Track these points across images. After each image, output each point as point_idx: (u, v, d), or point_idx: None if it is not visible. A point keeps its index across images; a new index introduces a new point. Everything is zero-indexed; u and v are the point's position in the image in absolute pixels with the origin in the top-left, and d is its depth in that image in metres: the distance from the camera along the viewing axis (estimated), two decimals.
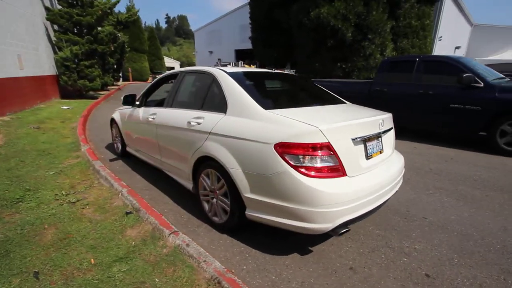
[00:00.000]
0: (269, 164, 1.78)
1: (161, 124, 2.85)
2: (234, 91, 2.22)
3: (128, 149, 4.01)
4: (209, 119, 2.28)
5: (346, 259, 2.00)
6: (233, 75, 2.41)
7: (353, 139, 1.85)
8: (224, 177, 2.12)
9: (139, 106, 3.51)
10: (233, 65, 11.37)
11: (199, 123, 2.34)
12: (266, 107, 2.03)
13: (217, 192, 2.24)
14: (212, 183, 2.28)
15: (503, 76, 5.39)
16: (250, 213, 1.99)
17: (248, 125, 1.98)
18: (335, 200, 1.68)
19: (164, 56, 42.28)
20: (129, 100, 3.48)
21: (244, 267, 1.88)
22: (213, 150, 2.14)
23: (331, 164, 1.73)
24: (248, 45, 24.43)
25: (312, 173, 1.70)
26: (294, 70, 10.68)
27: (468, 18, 21.64)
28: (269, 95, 2.60)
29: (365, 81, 6.79)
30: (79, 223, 2.32)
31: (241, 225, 2.17)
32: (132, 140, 3.72)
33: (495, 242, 2.22)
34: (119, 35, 13.11)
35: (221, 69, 2.51)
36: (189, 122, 2.44)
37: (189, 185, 2.62)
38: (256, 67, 10.20)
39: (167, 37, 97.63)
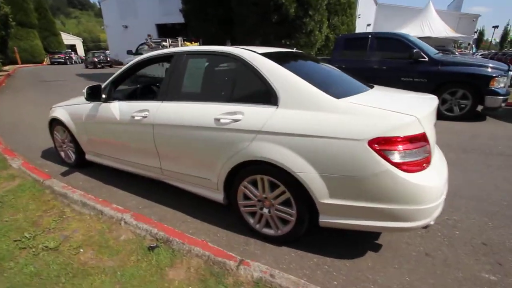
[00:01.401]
0: (363, 164, 1.52)
1: (162, 123, 2.20)
2: (285, 78, 1.81)
3: (89, 157, 3.09)
4: (252, 114, 1.82)
5: (414, 245, 1.97)
6: (270, 56, 1.96)
7: (430, 127, 1.74)
8: (286, 184, 1.77)
9: (107, 100, 2.65)
10: (169, 43, 10.06)
11: (236, 120, 1.86)
12: (335, 95, 1.71)
13: (273, 201, 1.88)
14: (262, 191, 1.90)
15: (438, 51, 6.23)
16: (326, 219, 1.73)
17: (320, 119, 1.64)
18: (435, 194, 1.57)
19: (60, 32, 34.92)
20: (95, 94, 2.58)
21: (335, 282, 1.65)
22: (269, 153, 1.74)
23: (426, 155, 1.59)
24: (171, 19, 22.17)
25: (414, 168, 1.53)
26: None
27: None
28: (321, 80, 2.12)
29: (323, 58, 6.94)
30: (88, 278, 1.62)
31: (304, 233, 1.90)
32: (100, 146, 2.85)
33: (501, 199, 2.55)
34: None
35: (249, 50, 2.02)
36: (217, 120, 1.93)
37: (217, 195, 2.14)
38: (200, 45, 9.26)
39: (57, 7, 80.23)
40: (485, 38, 49.62)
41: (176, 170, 2.30)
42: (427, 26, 21.62)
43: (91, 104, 2.78)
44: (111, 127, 2.60)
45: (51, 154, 3.71)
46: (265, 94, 1.84)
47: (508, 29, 46.76)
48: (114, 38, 25.68)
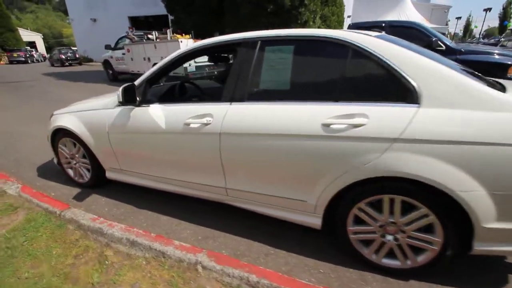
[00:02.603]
0: None
1: (235, 132, 1.68)
2: (426, 68, 1.37)
3: (111, 175, 2.47)
4: (383, 117, 1.38)
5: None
6: (392, 41, 1.52)
7: None
8: (431, 205, 1.36)
9: (143, 103, 2.06)
10: (155, 36, 9.14)
11: (357, 125, 1.40)
12: (494, 88, 1.33)
13: (405, 227, 1.46)
14: (389, 215, 1.47)
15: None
16: (483, 247, 1.35)
17: (489, 120, 1.24)
18: None
19: (17, 28, 31.65)
20: (131, 96, 1.97)
21: None
22: (413, 167, 1.31)
23: None
24: (144, 11, 20.73)
25: None
26: None
27: None
28: (459, 70, 1.54)
29: None
30: None
31: None
32: (132, 162, 2.25)
33: None
34: None
35: (361, 33, 1.56)
36: (326, 125, 1.46)
37: (310, 220, 1.69)
38: (192, 38, 8.53)
39: (9, 1, 72.83)
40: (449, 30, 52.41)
41: (251, 190, 1.80)
42: (405, 17, 22.21)
43: (117, 109, 2.17)
44: (151, 137, 2.02)
45: (51, 171, 3.00)
46: (398, 90, 1.40)
47: (470, 20, 49.74)
48: (82, 33, 23.64)
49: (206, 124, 1.76)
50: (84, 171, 2.62)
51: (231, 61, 3.09)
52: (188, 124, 1.83)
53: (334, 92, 1.51)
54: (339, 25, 12.93)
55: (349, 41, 1.50)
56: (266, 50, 1.71)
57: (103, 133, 2.25)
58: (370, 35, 1.54)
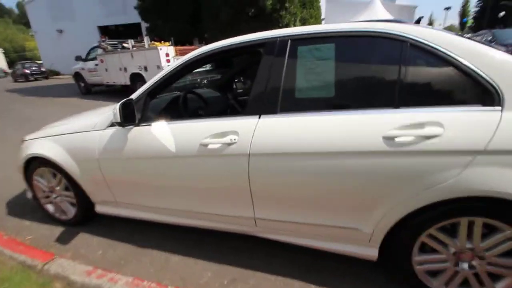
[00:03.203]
0: None
1: (267, 151, 1.36)
2: (507, 65, 1.14)
3: (102, 209, 2.05)
4: (460, 124, 1.13)
5: None
6: (450, 34, 1.28)
7: None
8: None
9: (141, 122, 1.69)
10: (131, 44, 8.56)
11: (428, 137, 1.14)
12: None
13: (486, 253, 1.22)
14: (466, 240, 1.22)
15: None
16: None
17: None
18: None
19: None
20: (129, 114, 1.59)
21: None
22: (501, 184, 1.07)
23: None
24: (115, 20, 19.82)
25: None
26: None
27: None
28: None
29: None
30: None
31: None
32: (130, 192, 1.85)
33: None
34: None
35: (417, 26, 1.31)
36: (389, 138, 1.18)
37: (364, 251, 1.41)
38: (172, 45, 8.07)
39: None
40: None
41: (287, 219, 1.48)
42: (376, 17, 22.96)
43: (109, 131, 1.77)
44: (156, 163, 1.65)
45: (25, 207, 2.50)
46: (473, 91, 1.16)
47: (432, 19, 52.91)
48: (47, 45, 22.18)
49: (230, 144, 1.43)
50: (67, 206, 2.17)
51: (236, 66, 2.78)
52: (205, 145, 1.48)
53: (392, 96, 1.24)
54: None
55: (408, 35, 1.24)
56: (300, 51, 1.41)
57: (92, 160, 1.84)
58: (426, 27, 1.30)
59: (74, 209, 2.15)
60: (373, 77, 1.32)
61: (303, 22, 11.98)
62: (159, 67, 7.51)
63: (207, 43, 9.91)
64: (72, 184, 2.03)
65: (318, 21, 13.11)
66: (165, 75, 1.68)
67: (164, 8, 9.97)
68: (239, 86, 3.30)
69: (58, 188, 2.13)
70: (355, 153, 1.24)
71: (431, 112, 1.17)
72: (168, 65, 8.03)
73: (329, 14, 26.52)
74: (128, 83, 8.61)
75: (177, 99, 2.13)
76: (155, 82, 1.69)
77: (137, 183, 1.79)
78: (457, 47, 1.19)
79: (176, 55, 7.77)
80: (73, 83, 11.35)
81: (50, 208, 2.26)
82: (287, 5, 9.18)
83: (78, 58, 10.23)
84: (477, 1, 39.43)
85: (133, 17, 16.39)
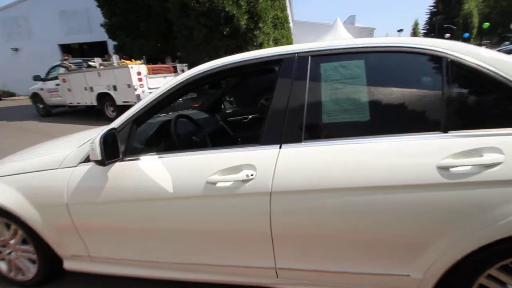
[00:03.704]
0: None
1: (297, 189, 1.11)
2: None
3: (72, 265, 1.62)
4: None
5: None
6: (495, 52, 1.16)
7: None
8: None
9: (126, 156, 1.36)
10: (99, 63, 7.97)
11: (489, 165, 0.97)
12: None
13: None
14: None
15: None
16: None
17: None
18: None
19: None
20: (113, 148, 1.26)
21: None
22: None
23: None
24: (77, 38, 18.82)
25: None
26: (186, 65, 8.89)
27: (291, 14, 26.31)
28: None
29: None
30: None
31: None
32: (114, 244, 1.47)
33: None
34: None
35: (460, 43, 1.17)
36: (443, 169, 1.00)
37: None
38: (144, 63, 7.64)
39: None
40: None
41: (317, 268, 1.23)
42: (340, 38, 24.50)
43: (83, 168, 1.41)
44: (148, 207, 1.31)
45: None
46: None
47: None
48: (1, 66, 20.33)
49: (246, 181, 1.16)
50: (25, 263, 1.71)
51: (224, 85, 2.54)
52: (213, 183, 1.20)
53: (439, 119, 1.08)
54: None
55: (449, 52, 1.10)
56: (323, 69, 1.22)
57: (59, 206, 1.45)
58: (466, 44, 1.17)
59: (35, 267, 1.69)
60: (415, 97, 1.15)
61: (276, 42, 12.26)
62: (129, 86, 7.06)
63: (180, 61, 9.67)
64: (32, 236, 1.59)
65: (289, 41, 13.54)
66: (157, 97, 1.39)
67: (132, 26, 9.58)
68: (227, 106, 3.05)
69: (12, 241, 1.68)
70: (404, 187, 1.04)
71: (486, 136, 1.02)
72: (141, 84, 7.65)
73: (297, 34, 27.83)
74: (95, 103, 7.99)
75: (166, 124, 1.82)
76: (144, 107, 1.39)
77: (121, 232, 1.43)
78: (505, 67, 1.06)
79: (149, 73, 7.39)
80: (31, 105, 10.31)
81: (2, 266, 1.77)
82: (260, 25, 9.30)
83: (37, 78, 9.35)
84: (424, 24, 44.02)
85: (99, 35, 15.70)
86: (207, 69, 1.38)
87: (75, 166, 1.44)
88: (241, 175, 1.16)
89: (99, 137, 1.23)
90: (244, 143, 1.32)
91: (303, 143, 1.17)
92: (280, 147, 1.18)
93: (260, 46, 10.12)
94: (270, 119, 1.23)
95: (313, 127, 1.20)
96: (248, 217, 1.19)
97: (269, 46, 10.77)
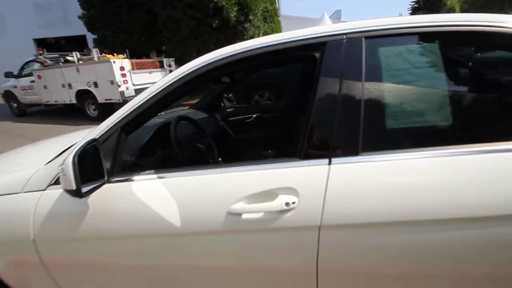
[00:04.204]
0: None
1: (357, 222, 0.81)
2: None
3: None
4: None
5: None
6: None
7: None
8: None
9: (113, 176, 1.01)
10: (77, 57, 7.34)
11: None
12: None
13: None
14: None
15: None
16: None
17: None
18: None
19: None
20: (93, 167, 0.91)
21: None
22: None
23: None
24: (53, 32, 17.66)
25: None
26: (173, 59, 8.38)
27: (279, 9, 25.94)
28: None
29: None
30: None
31: None
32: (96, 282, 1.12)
33: None
34: None
35: None
36: None
37: None
38: (127, 57, 7.07)
39: None
40: None
41: None
42: None
43: (53, 193, 1.04)
44: (147, 245, 0.97)
45: None
46: None
47: None
48: None
49: (284, 212, 0.84)
50: None
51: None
52: (237, 214, 0.87)
53: None
54: None
55: None
56: (383, 55, 0.91)
57: (23, 242, 1.07)
58: None
59: None
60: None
61: (265, 36, 11.93)
62: (112, 83, 6.54)
63: (167, 56, 9.14)
64: None
65: None
66: (153, 96, 1.03)
67: (113, 17, 8.95)
68: (227, 104, 2.70)
69: None
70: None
71: None
72: (125, 80, 7.13)
73: (284, 29, 27.61)
74: (74, 101, 7.40)
75: (163, 128, 1.45)
76: (136, 109, 1.03)
77: (110, 276, 1.07)
78: None
79: (133, 68, 6.88)
80: (3, 103, 9.52)
81: None
82: (251, 17, 8.92)
83: (8, 75, 8.58)
84: None
85: (77, 29, 14.75)
86: (218, 58, 1.04)
87: (44, 190, 1.07)
88: (278, 204, 0.84)
89: (71, 156, 0.86)
90: (266, 154, 0.99)
91: (361, 156, 0.86)
92: (329, 163, 0.87)
93: (251, 39, 9.76)
94: (311, 124, 0.91)
95: (374, 134, 0.88)
96: (287, 258, 0.88)
97: None
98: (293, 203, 0.84)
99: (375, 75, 0.90)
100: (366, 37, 0.91)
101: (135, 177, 1.00)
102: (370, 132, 0.87)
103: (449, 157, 0.80)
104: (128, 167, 1.15)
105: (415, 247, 0.79)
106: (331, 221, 0.82)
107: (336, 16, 37.59)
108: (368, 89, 0.88)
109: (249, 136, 2.18)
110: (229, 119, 2.34)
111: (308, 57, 0.99)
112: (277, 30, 12.90)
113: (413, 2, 20.45)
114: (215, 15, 8.09)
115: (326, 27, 0.96)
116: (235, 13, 8.27)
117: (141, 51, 9.51)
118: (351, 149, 0.86)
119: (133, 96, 6.58)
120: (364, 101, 0.87)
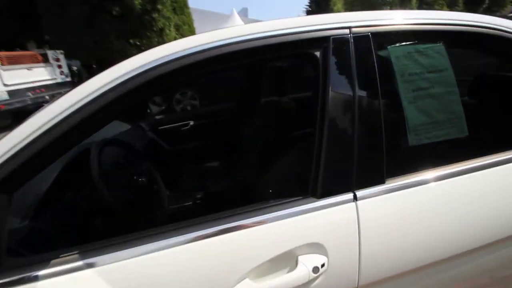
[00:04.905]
0: None
1: (405, 268, 0.62)
2: None
3: None
4: None
5: None
6: None
7: None
8: None
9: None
10: None
11: None
12: None
13: None
14: None
15: None
16: None
17: None
18: None
19: None
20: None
21: None
22: None
23: None
24: None
25: None
26: (62, 52, 6.74)
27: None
28: None
29: None
30: None
31: None
32: None
33: None
34: None
35: None
36: None
37: None
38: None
39: None
40: None
41: None
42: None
43: None
44: None
45: None
46: None
47: None
48: None
49: (312, 281, 0.58)
50: None
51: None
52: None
53: None
54: (192, 34, 12.37)
55: None
56: (394, 55, 0.72)
57: None
58: None
59: None
60: None
61: (177, 29, 11.07)
62: None
63: (51, 47, 7.32)
64: None
65: (191, 28, 12.47)
66: (60, 120, 0.58)
67: None
68: (154, 109, 2.23)
69: None
70: None
71: None
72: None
73: (196, 23, 26.54)
74: None
75: (77, 161, 0.94)
76: (28, 144, 0.57)
77: None
78: None
79: (3, 63, 5.21)
80: None
81: None
82: (159, 6, 8.03)
83: None
84: None
85: None
86: (183, 55, 0.65)
87: None
88: (303, 272, 0.57)
89: None
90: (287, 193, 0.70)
91: (387, 185, 0.67)
92: (355, 198, 0.65)
93: (161, 31, 8.87)
94: (329, 147, 0.66)
95: (398, 154, 0.71)
96: None
97: (170, 32, 9.59)
98: (323, 265, 0.59)
99: (389, 80, 0.72)
100: (373, 33, 0.71)
101: (37, 272, 0.55)
102: (393, 153, 0.69)
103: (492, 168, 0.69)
104: (20, 241, 0.67)
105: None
106: (371, 278, 0.61)
107: (244, 13, 38.54)
108: (384, 97, 0.70)
109: (191, 148, 1.80)
110: (159, 128, 1.90)
111: (304, 55, 0.74)
112: (189, 23, 12.26)
113: (307, 5, 22.65)
114: (115, 0, 6.91)
115: (320, 18, 0.72)
116: (140, 0, 7.27)
117: (14, 41, 7.37)
118: (375, 177, 0.66)
119: (5, 101, 5.03)
120: (382, 115, 0.68)
